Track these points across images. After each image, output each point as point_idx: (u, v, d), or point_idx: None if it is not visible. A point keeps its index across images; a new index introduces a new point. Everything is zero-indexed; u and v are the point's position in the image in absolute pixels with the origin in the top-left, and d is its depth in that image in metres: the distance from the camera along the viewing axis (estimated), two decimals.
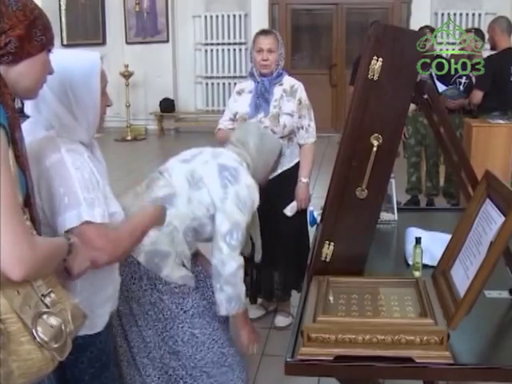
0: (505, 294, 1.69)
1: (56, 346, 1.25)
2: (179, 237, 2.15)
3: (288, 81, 3.17)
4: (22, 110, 1.30)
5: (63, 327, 1.28)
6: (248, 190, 2.21)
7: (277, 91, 3.13)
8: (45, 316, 1.24)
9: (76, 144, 1.56)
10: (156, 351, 2.18)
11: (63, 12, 10.04)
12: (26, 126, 1.54)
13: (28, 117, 1.62)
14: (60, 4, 10.00)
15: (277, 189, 3.17)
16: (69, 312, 1.31)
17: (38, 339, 1.21)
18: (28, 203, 1.30)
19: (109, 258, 1.53)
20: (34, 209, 1.33)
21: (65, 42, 9.97)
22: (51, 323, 1.25)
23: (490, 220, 1.49)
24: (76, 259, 1.38)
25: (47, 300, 1.27)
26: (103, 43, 9.93)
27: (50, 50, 1.39)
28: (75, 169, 1.48)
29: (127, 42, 10.00)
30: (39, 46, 1.34)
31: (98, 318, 1.63)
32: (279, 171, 3.17)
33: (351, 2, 9.58)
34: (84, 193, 1.48)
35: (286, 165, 3.18)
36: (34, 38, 1.32)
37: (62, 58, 1.50)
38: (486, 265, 1.38)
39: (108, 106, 1.68)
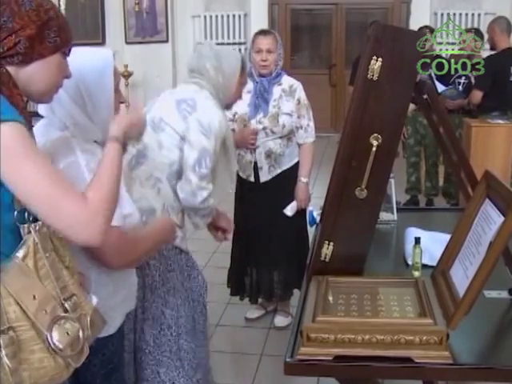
0: (504, 294, 1.68)
1: (72, 353, 1.22)
2: (164, 187, 2.17)
3: (287, 81, 3.17)
4: (25, 108, 1.27)
5: (80, 333, 1.24)
6: (210, 115, 2.20)
7: (276, 91, 3.13)
8: (62, 321, 1.21)
9: (90, 144, 1.56)
10: (129, 323, 2.16)
11: (63, 12, 10.03)
12: (39, 128, 1.54)
13: (41, 116, 1.61)
14: (59, 4, 9.98)
15: (277, 189, 3.17)
16: (88, 317, 1.28)
17: (52, 346, 1.18)
18: None
19: (118, 259, 1.53)
20: None
21: None
22: (67, 329, 1.21)
23: (489, 220, 1.49)
24: (127, 126, 1.46)
25: (68, 304, 1.24)
26: (103, 43, 9.90)
27: (65, 53, 1.34)
28: (89, 171, 1.47)
29: (127, 42, 9.98)
30: (52, 47, 1.29)
31: (111, 321, 1.58)
32: (279, 171, 3.18)
33: (351, 2, 9.56)
34: None
35: (285, 165, 3.19)
36: (46, 39, 1.27)
37: (74, 57, 1.46)
38: (486, 265, 1.38)
39: (121, 103, 1.66)
